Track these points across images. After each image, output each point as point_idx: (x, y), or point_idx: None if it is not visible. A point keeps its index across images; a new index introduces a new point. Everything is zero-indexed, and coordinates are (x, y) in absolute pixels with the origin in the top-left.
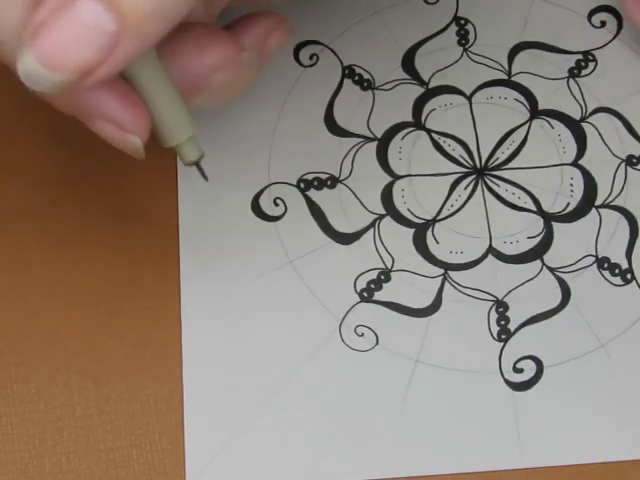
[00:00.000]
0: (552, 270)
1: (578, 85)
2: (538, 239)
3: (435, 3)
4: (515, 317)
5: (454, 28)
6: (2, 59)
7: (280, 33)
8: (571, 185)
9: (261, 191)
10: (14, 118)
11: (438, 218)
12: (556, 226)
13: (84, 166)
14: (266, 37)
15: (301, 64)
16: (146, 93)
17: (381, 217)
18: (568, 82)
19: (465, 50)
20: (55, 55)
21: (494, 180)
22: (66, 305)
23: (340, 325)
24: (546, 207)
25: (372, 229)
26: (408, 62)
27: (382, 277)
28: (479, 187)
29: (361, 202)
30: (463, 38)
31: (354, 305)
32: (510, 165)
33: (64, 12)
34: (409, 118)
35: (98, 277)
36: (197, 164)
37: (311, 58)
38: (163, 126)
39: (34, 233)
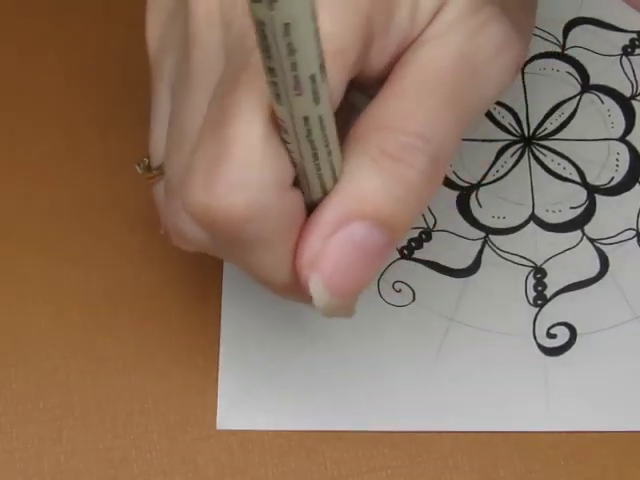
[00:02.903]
0: (592, 241)
1: (631, 63)
2: (580, 210)
3: None
4: (552, 284)
5: None
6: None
7: None
8: (617, 160)
9: None
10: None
11: (483, 182)
12: (599, 198)
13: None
14: None
15: None
16: None
17: None
18: (621, 60)
19: None
20: (343, 284)
21: (541, 150)
22: (65, 304)
23: (379, 280)
24: (590, 179)
25: None
26: None
27: (423, 236)
28: (525, 155)
29: None
30: None
31: (394, 261)
32: (558, 136)
33: (339, 239)
34: None
35: (97, 277)
36: None
37: None
38: None
39: (34, 233)
